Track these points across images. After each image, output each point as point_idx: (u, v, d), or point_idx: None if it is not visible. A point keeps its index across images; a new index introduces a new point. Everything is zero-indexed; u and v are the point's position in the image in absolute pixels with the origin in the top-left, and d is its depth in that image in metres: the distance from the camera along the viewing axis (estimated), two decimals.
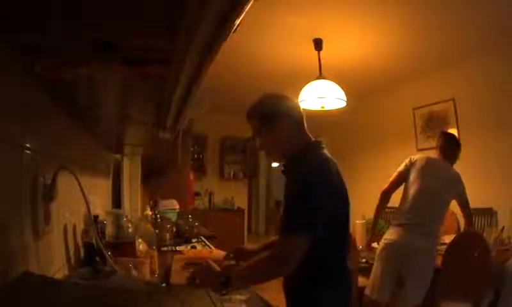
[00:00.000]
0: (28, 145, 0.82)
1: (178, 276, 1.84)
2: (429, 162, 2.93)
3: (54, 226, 0.99)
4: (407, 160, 3.05)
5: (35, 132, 0.87)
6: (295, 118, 1.45)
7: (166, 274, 1.89)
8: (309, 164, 1.34)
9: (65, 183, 1.10)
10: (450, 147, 2.97)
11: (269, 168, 9.00)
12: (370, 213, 4.83)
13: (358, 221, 3.97)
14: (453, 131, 4.49)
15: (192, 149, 6.40)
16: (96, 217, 1.27)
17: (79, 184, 1.00)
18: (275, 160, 1.43)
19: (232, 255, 1.75)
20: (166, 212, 3.78)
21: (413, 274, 2.66)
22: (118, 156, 2.32)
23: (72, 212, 1.19)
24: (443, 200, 2.83)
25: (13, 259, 0.73)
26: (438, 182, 2.80)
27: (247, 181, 7.23)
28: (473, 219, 3.49)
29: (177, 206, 3.99)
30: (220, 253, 2.53)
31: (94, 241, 1.18)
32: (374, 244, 3.70)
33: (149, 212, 3.30)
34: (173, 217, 3.66)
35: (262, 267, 1.30)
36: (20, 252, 0.78)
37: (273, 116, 1.44)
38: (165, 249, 2.75)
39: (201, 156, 6.89)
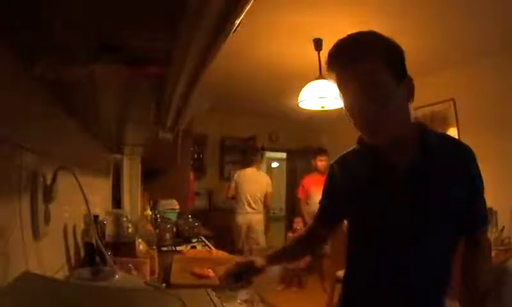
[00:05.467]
0: (28, 145, 0.82)
1: (178, 276, 1.83)
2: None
3: (54, 226, 0.99)
4: None
5: (35, 132, 0.87)
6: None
7: (166, 274, 1.89)
8: (467, 149, 1.08)
9: (65, 183, 1.10)
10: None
11: (269, 168, 8.97)
12: None
13: None
14: (453, 131, 4.55)
15: (192, 149, 6.40)
16: (96, 217, 1.27)
17: (79, 184, 1.00)
18: (377, 139, 1.03)
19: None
20: (166, 212, 3.78)
21: None
22: (118, 156, 2.32)
23: (71, 212, 1.19)
24: None
25: (13, 260, 0.73)
26: None
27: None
28: None
29: (177, 206, 3.99)
30: (220, 253, 2.53)
31: (94, 241, 1.18)
32: None
33: (149, 212, 3.30)
34: (173, 217, 3.66)
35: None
36: (20, 253, 0.78)
37: (403, 67, 1.02)
38: (165, 249, 2.76)
39: (201, 156, 6.89)
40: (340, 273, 3.87)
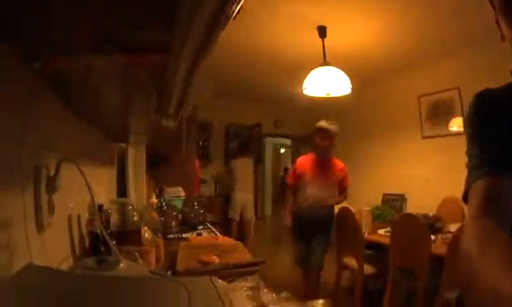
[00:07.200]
0: (29, 138, 0.81)
1: (184, 264, 1.84)
2: None
3: (58, 217, 0.99)
4: None
5: (36, 126, 0.86)
6: None
7: (172, 261, 1.90)
8: None
9: (69, 174, 1.10)
10: None
11: (275, 154, 9.01)
12: (376, 200, 4.87)
13: (364, 208, 3.98)
14: (458, 120, 4.59)
15: (197, 136, 6.44)
16: (100, 206, 1.27)
17: (83, 174, 1.00)
18: None
19: None
20: (172, 199, 3.80)
21: None
22: (123, 145, 2.31)
23: (76, 202, 1.20)
24: None
25: (16, 252, 0.73)
26: None
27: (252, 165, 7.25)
28: None
29: (183, 194, 4.01)
30: (226, 240, 2.52)
31: (98, 230, 1.18)
32: (380, 231, 3.75)
33: (154, 200, 3.31)
34: (178, 204, 3.67)
35: None
36: (24, 245, 0.78)
37: None
38: (171, 236, 2.77)
39: (206, 143, 6.92)
40: (347, 260, 3.86)
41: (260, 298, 1.38)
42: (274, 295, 1.37)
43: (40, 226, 0.86)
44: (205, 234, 2.98)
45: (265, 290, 1.46)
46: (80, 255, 1.16)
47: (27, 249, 0.79)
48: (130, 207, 1.75)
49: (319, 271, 3.87)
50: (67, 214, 1.10)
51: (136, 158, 2.85)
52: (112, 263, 0.83)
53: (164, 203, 3.02)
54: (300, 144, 7.32)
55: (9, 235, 0.71)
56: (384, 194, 5.33)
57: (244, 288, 1.48)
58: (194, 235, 2.90)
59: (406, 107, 5.26)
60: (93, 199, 1.06)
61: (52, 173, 0.90)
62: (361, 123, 5.88)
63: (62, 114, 1.06)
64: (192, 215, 3.30)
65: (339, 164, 3.82)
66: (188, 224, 3.20)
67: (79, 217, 1.19)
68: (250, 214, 6.55)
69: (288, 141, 8.33)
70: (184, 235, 2.82)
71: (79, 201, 1.22)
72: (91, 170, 1.59)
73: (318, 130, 3.66)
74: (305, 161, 3.84)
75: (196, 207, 3.48)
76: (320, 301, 1.09)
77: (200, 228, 3.23)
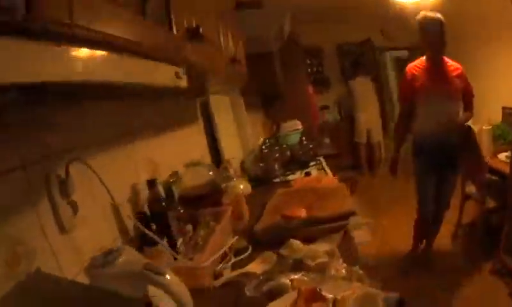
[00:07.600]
0: (30, 159, 0.84)
1: (268, 220, 1.78)
2: None
3: (94, 209, 1.04)
4: None
5: (35, 142, 0.87)
6: None
7: (260, 214, 1.84)
8: None
9: (111, 160, 1.14)
10: None
11: (396, 68, 8.03)
12: (496, 117, 4.00)
13: (484, 127, 3.31)
14: None
15: (309, 62, 6.15)
16: (152, 181, 1.26)
17: (93, 170, 1.01)
18: None
19: None
20: (289, 134, 3.73)
21: None
22: (203, 98, 2.25)
23: (124, 184, 1.24)
24: None
25: (36, 261, 0.78)
26: None
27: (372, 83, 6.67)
28: None
29: (300, 126, 3.90)
30: (329, 181, 2.30)
31: (146, 209, 1.21)
32: (501, 155, 3.12)
33: (261, 141, 3.27)
34: (295, 138, 3.58)
35: None
36: (48, 253, 0.84)
37: None
38: (277, 180, 2.69)
39: (320, 68, 6.59)
40: (471, 188, 3.32)
41: (329, 269, 1.25)
42: (344, 268, 1.21)
43: (62, 229, 0.90)
44: (314, 172, 2.83)
45: (341, 260, 1.31)
46: (135, 235, 1.21)
47: (52, 255, 0.84)
48: (205, 168, 1.76)
49: (445, 212, 3.15)
50: (109, 202, 1.14)
51: (232, 106, 2.80)
52: (113, 257, 0.83)
53: (264, 146, 2.95)
54: (419, 54, 6.43)
55: (27, 249, 0.76)
56: (504, 108, 4.32)
57: (320, 253, 1.36)
58: (303, 174, 2.76)
59: (500, 13, 4.35)
60: (110, 194, 1.08)
61: (63, 176, 0.92)
62: (467, 31, 4.91)
63: (83, 112, 1.07)
64: (300, 152, 3.17)
65: (456, 66, 2.90)
66: (297, 162, 3.09)
67: (130, 198, 1.23)
68: (377, 135, 6.22)
69: (406, 53, 7.35)
70: (291, 177, 2.72)
71: (126, 183, 1.25)
72: (161, 139, 1.62)
73: (421, 24, 2.86)
74: (416, 69, 3.01)
75: (305, 143, 3.32)
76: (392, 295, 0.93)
77: (312, 164, 3.08)
